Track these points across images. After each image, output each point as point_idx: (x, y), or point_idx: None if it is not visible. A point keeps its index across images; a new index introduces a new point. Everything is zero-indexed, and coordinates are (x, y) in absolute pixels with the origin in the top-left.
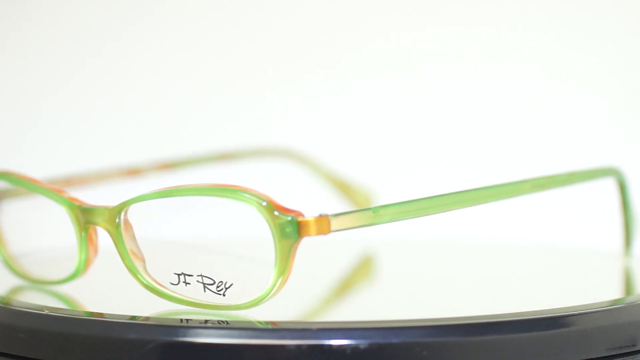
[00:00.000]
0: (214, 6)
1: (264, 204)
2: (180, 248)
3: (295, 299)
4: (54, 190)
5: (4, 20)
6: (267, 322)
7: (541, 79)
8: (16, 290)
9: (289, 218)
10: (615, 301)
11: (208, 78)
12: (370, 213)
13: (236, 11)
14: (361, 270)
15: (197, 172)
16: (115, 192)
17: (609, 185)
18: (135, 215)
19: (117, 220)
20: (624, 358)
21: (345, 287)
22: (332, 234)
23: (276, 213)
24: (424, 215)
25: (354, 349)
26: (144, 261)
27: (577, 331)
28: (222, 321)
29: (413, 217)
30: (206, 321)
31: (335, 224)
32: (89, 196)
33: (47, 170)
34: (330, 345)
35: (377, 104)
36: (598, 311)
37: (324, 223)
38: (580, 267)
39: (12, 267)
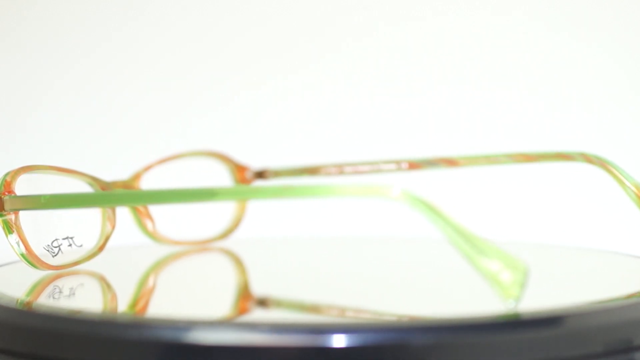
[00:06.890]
0: None
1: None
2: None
3: None
4: None
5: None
6: None
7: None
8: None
9: None
10: (612, 300)
11: None
12: (38, 199)
13: None
14: None
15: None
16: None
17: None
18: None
19: None
20: (621, 356)
21: None
22: None
23: None
24: (91, 207)
25: (354, 349)
26: None
27: (574, 330)
28: (224, 322)
29: (83, 207)
30: (209, 322)
31: (8, 204)
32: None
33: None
34: (331, 345)
35: None
36: (595, 310)
37: None
38: (579, 266)
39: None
